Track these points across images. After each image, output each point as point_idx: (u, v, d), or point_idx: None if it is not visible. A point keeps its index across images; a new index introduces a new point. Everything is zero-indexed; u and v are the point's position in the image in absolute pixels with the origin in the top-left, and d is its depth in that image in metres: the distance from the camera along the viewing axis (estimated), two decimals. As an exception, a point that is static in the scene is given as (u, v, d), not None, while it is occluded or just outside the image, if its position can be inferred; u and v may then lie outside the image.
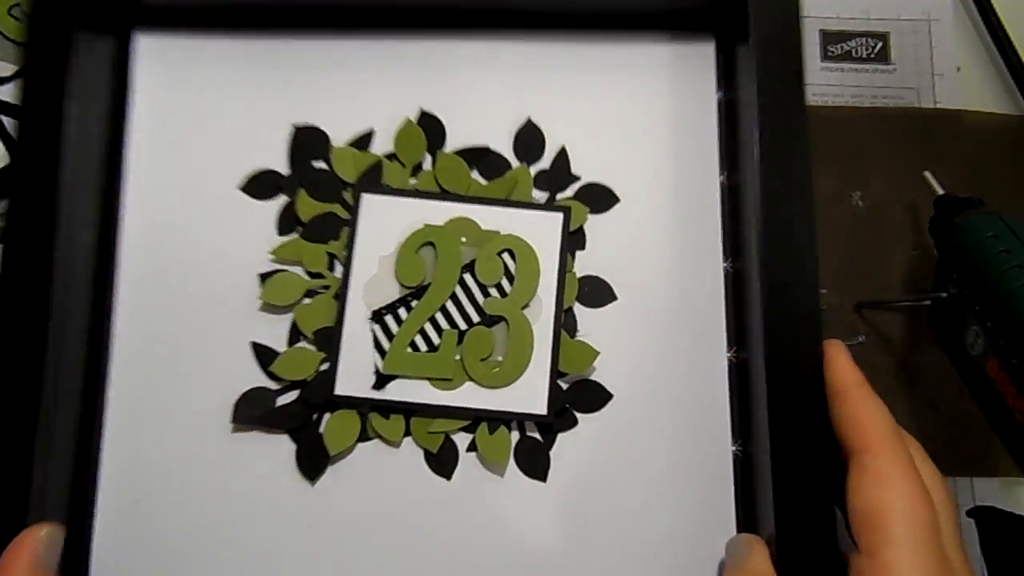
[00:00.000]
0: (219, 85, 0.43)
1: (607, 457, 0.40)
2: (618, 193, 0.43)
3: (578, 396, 0.40)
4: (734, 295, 0.42)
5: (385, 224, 0.41)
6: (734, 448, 0.40)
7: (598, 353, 0.40)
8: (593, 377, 0.41)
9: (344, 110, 0.43)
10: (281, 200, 0.42)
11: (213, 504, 0.39)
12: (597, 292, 0.42)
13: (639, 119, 0.43)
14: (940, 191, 0.34)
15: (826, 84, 0.38)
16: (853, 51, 0.38)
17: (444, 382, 0.40)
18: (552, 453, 0.40)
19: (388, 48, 0.44)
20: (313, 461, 0.39)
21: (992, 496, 0.33)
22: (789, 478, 0.35)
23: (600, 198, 0.43)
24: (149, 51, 0.43)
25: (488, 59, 0.44)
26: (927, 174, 0.34)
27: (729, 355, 0.41)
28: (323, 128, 0.43)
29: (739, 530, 0.39)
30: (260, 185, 0.42)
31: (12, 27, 0.54)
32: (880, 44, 0.38)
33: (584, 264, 0.42)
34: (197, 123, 0.43)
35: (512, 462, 0.40)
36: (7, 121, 0.49)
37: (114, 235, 0.41)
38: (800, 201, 0.36)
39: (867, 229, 0.36)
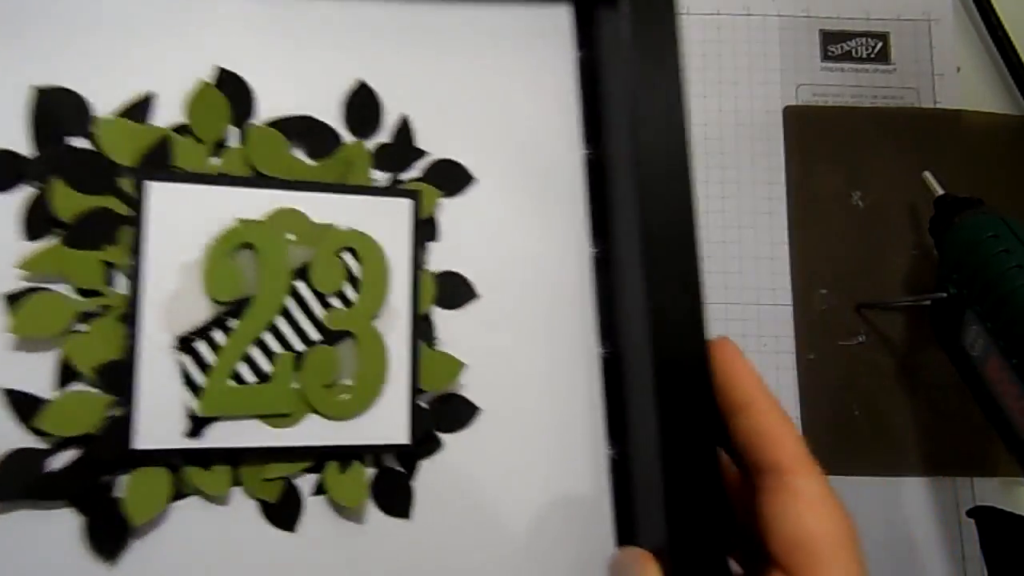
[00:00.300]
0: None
1: (476, 479, 0.34)
2: (472, 171, 0.35)
3: (441, 415, 0.34)
4: (603, 283, 0.37)
5: (183, 221, 0.31)
6: (610, 453, 0.36)
7: (463, 365, 0.33)
8: (456, 390, 0.34)
9: (108, 69, 0.31)
10: (25, 192, 0.30)
11: None
12: (455, 290, 0.35)
13: (491, 86, 0.36)
14: (940, 191, 0.34)
15: (826, 84, 0.37)
16: (853, 51, 0.38)
17: (281, 418, 0.31)
18: (415, 483, 0.33)
19: (170, 6, 0.32)
20: (110, 535, 0.30)
21: (992, 496, 0.33)
22: (682, 486, 0.32)
23: (452, 178, 0.35)
24: None
25: (306, 10, 0.33)
26: (927, 174, 0.34)
27: (601, 350, 0.36)
28: (79, 92, 0.30)
29: (618, 539, 0.35)
30: (-9, 171, 0.29)
31: None
32: (880, 44, 0.38)
33: (438, 258, 0.35)
34: None
35: (369, 498, 0.32)
36: None
37: None
38: (677, 163, 0.31)
39: (867, 229, 0.35)
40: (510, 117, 0.37)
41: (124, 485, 0.30)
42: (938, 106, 0.36)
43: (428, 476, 0.34)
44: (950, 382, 0.33)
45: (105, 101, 0.32)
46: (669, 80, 0.33)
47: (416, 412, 0.33)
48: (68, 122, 0.31)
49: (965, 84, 0.37)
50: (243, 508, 0.32)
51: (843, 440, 0.35)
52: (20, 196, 0.31)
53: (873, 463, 0.34)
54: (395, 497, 0.34)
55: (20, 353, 0.30)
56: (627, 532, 0.35)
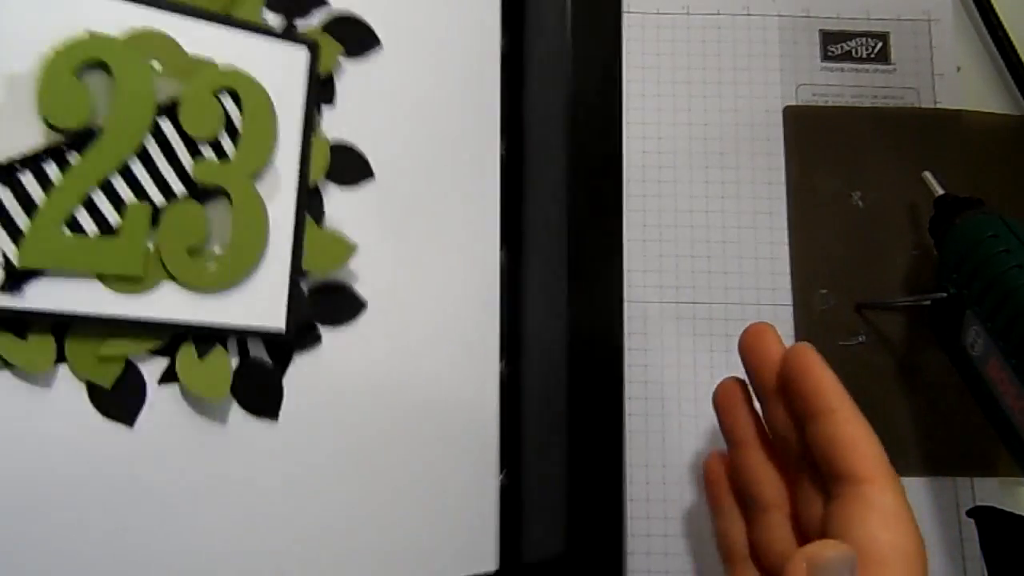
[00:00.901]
0: None
1: (355, 383, 0.29)
2: (379, 34, 0.30)
3: (322, 304, 0.29)
4: (511, 185, 0.33)
5: (19, 24, 0.23)
6: (502, 366, 0.32)
7: (353, 249, 0.28)
8: (343, 279, 0.29)
9: None
10: None
11: None
12: (350, 165, 0.29)
13: None
14: (940, 191, 0.33)
15: (826, 84, 0.37)
16: (853, 51, 0.37)
17: (127, 282, 0.25)
18: (286, 381, 0.28)
19: None
20: None
21: (992, 496, 0.33)
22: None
23: (355, 37, 0.30)
24: None
25: None
26: (927, 174, 0.34)
27: (501, 254, 0.32)
28: None
29: (502, 466, 0.32)
30: None
31: None
32: (880, 44, 0.37)
33: (333, 125, 0.29)
34: None
35: (229, 393, 0.27)
36: None
37: None
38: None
39: (867, 229, 0.35)
40: None
41: None
42: (938, 106, 0.36)
43: (300, 373, 0.29)
44: (950, 382, 0.33)
45: None
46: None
47: (295, 296, 0.28)
48: None
49: (965, 84, 0.37)
50: (68, 392, 0.25)
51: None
52: None
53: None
54: (261, 394, 0.28)
55: None
56: (514, 461, 0.32)
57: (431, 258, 0.31)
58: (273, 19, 0.29)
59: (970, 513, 0.32)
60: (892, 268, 0.35)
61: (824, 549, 0.22)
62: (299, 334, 0.29)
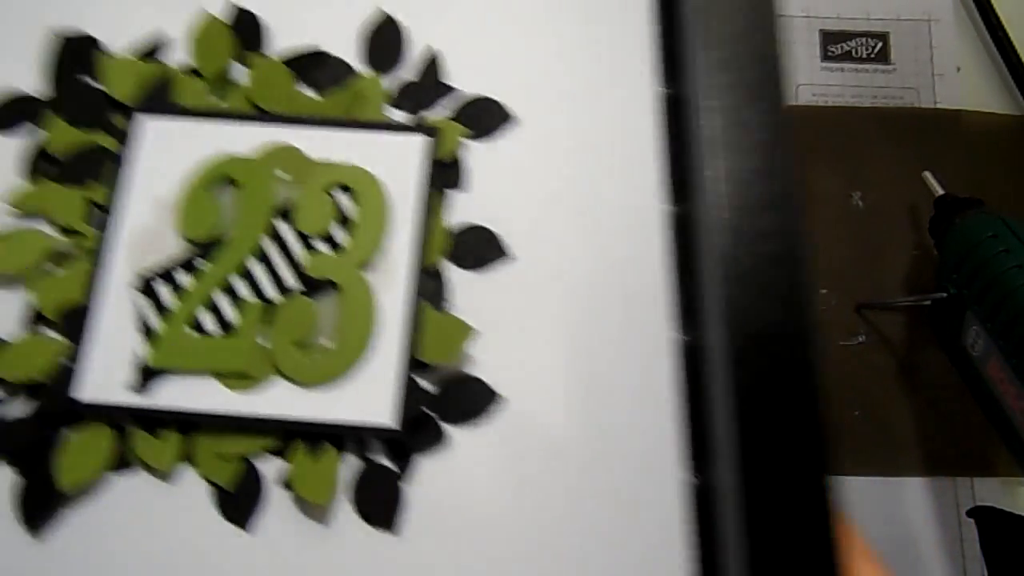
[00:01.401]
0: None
1: (492, 490, 0.24)
2: (511, 111, 0.27)
3: (448, 399, 0.24)
4: (680, 255, 0.26)
5: (169, 156, 0.26)
6: (689, 476, 0.24)
7: (472, 330, 0.24)
8: (470, 370, 0.25)
9: (125, 11, 0.28)
10: (32, 133, 0.27)
11: None
12: (479, 247, 0.26)
13: (539, 17, 0.28)
14: (940, 191, 0.34)
15: (826, 84, 0.38)
16: (853, 51, 0.38)
17: (239, 379, 0.24)
18: (408, 487, 0.24)
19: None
20: (38, 502, 0.23)
21: (992, 496, 0.33)
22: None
23: (485, 117, 0.27)
24: None
25: None
26: (927, 174, 0.34)
27: (678, 336, 0.25)
28: (94, 34, 0.28)
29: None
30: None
31: None
32: (880, 44, 0.38)
33: (461, 209, 0.26)
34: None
35: (347, 499, 0.24)
36: None
37: None
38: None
39: (867, 229, 0.36)
40: (564, 49, 0.29)
41: (63, 445, 0.25)
42: (938, 106, 0.36)
43: (426, 478, 0.25)
44: (950, 382, 0.33)
45: (119, 41, 0.29)
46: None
47: (408, 389, 0.25)
48: (80, 63, 0.29)
49: (965, 84, 0.37)
50: (191, 491, 0.25)
51: (843, 440, 0.35)
52: (26, 137, 0.28)
53: (873, 463, 0.34)
54: (378, 501, 0.25)
55: (-8, 291, 0.26)
56: None
57: (581, 339, 0.26)
58: (399, 116, 0.29)
59: (970, 513, 0.32)
60: (892, 268, 0.35)
61: None
62: (419, 434, 0.25)
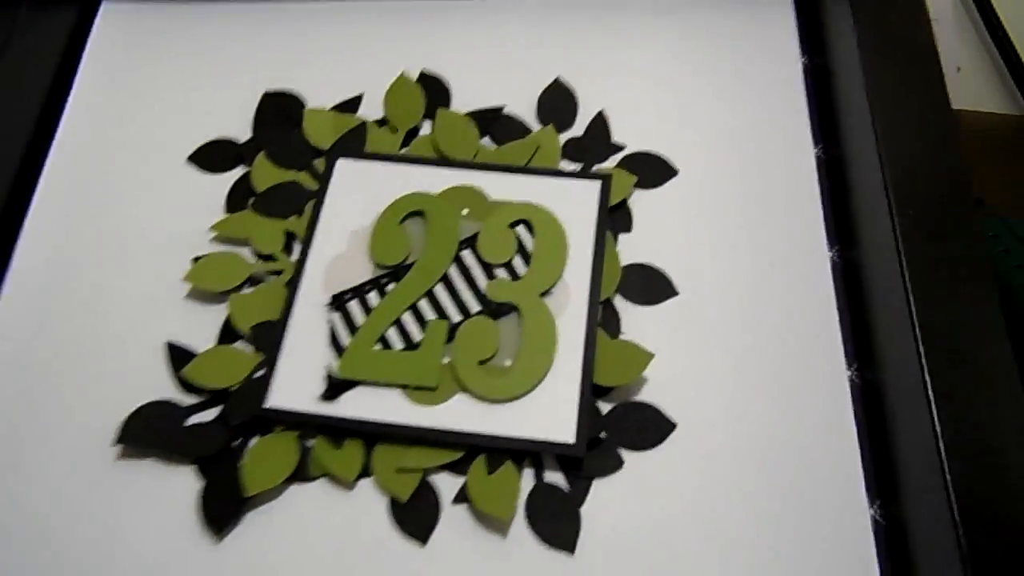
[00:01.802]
0: (186, 51, 0.35)
1: (670, 517, 0.24)
2: (675, 165, 0.29)
3: (624, 425, 0.25)
4: (847, 294, 0.27)
5: (363, 195, 0.29)
6: (872, 511, 0.24)
7: (651, 356, 0.25)
8: (644, 398, 0.25)
9: (330, 75, 0.32)
10: (239, 172, 0.30)
11: (83, 554, 0.26)
12: (649, 285, 0.27)
13: (705, 82, 0.31)
14: None
15: None
16: None
17: (424, 392, 0.25)
18: (584, 510, 0.24)
19: (389, 2, 0.34)
20: (222, 506, 0.24)
21: None
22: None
23: (651, 170, 0.29)
24: (110, 19, 0.35)
25: (510, 13, 0.35)
26: None
27: (849, 373, 0.25)
28: (303, 94, 0.32)
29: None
30: (213, 155, 0.32)
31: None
32: None
33: (630, 251, 0.28)
34: (153, 92, 0.34)
35: (523, 519, 0.24)
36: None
37: (22, 209, 0.32)
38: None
39: None
40: (725, 109, 0.32)
41: (249, 451, 0.26)
42: None
43: (602, 501, 0.25)
44: None
45: (324, 99, 0.33)
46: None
47: (586, 409, 0.25)
48: (283, 114, 0.32)
49: (965, 84, 0.37)
50: (370, 504, 0.26)
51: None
52: (234, 176, 0.32)
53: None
54: (555, 521, 0.25)
55: (195, 308, 0.29)
56: None
57: (755, 372, 0.27)
58: (571, 166, 0.31)
59: None
60: None
61: None
62: (595, 454, 0.26)
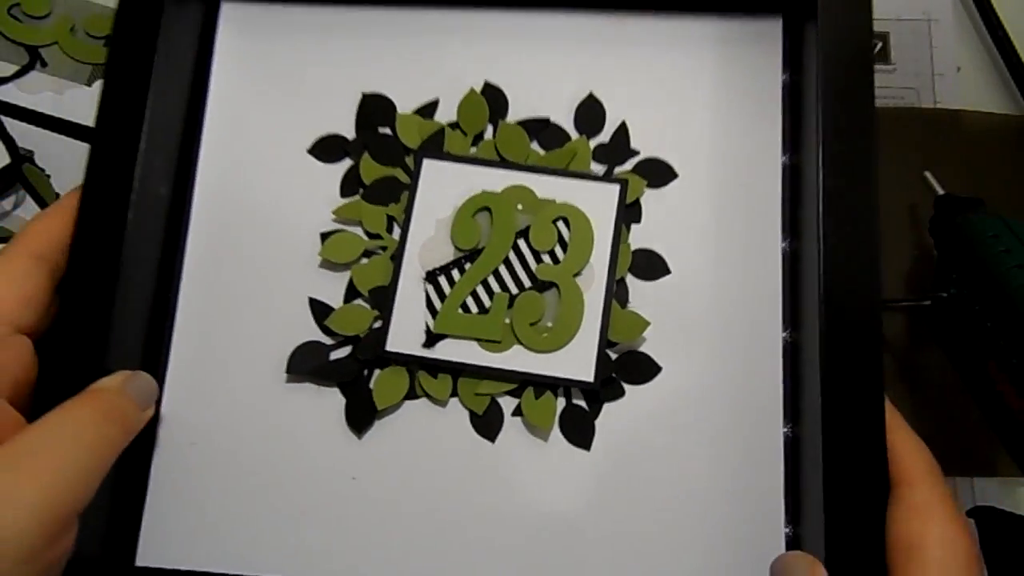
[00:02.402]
0: (295, 53, 0.43)
1: (653, 430, 0.37)
2: (676, 169, 0.41)
3: (626, 367, 0.38)
4: (791, 276, 0.39)
5: (444, 189, 0.40)
6: (785, 429, 0.37)
7: (648, 324, 0.38)
8: (642, 349, 0.38)
9: (412, 80, 0.42)
10: (346, 164, 0.42)
11: (264, 451, 0.39)
12: (651, 265, 0.40)
13: (701, 96, 0.41)
14: (940, 191, 0.33)
15: None
16: None
17: (492, 344, 0.38)
18: (597, 423, 0.38)
19: (457, 20, 0.43)
20: (361, 415, 0.38)
21: (992, 496, 0.33)
22: (840, 462, 0.32)
23: (658, 173, 0.41)
24: (232, 19, 0.43)
25: (553, 33, 0.43)
26: (927, 174, 0.34)
27: (784, 335, 0.38)
28: (390, 96, 0.42)
29: (786, 513, 0.36)
30: (327, 149, 0.41)
31: (12, 27, 0.54)
32: (880, 44, 0.37)
33: (639, 237, 0.40)
34: (272, 89, 0.43)
35: (557, 429, 0.38)
36: (7, 121, 0.52)
37: (188, 190, 0.41)
38: (862, 189, 0.33)
39: None
40: (716, 123, 0.42)
41: (375, 379, 0.39)
42: (938, 106, 0.35)
43: (609, 418, 0.39)
44: (950, 382, 0.33)
45: (405, 103, 0.43)
46: (861, 107, 0.36)
47: (602, 358, 0.39)
48: (380, 116, 0.43)
49: (965, 84, 0.36)
50: (457, 415, 0.39)
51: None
52: (343, 166, 0.43)
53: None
54: (579, 430, 0.39)
55: (324, 272, 0.41)
56: (794, 512, 0.36)
57: (717, 333, 0.40)
58: (598, 168, 0.42)
59: (970, 513, 0.31)
60: (892, 268, 0.34)
61: (788, 555, 0.26)
62: (607, 388, 0.39)
